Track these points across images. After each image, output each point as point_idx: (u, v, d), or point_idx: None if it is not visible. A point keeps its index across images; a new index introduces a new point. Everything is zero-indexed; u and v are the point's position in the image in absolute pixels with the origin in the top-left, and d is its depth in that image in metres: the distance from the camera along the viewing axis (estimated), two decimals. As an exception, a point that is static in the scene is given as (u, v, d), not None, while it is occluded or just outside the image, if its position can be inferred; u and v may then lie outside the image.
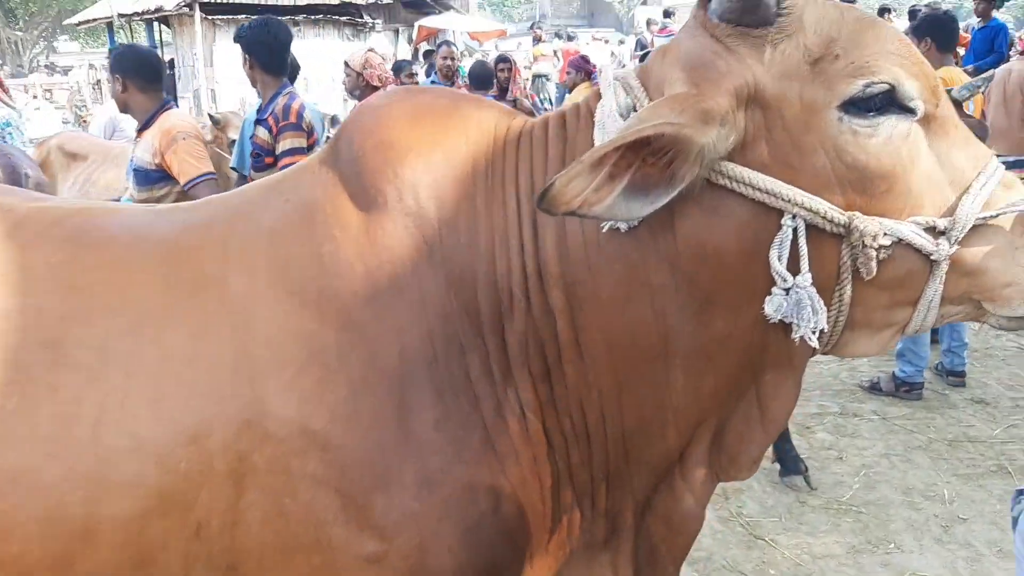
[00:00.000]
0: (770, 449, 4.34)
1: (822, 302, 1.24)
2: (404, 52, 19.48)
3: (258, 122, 4.58)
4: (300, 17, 18.70)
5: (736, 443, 1.43)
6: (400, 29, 21.67)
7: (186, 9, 18.41)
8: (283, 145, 4.44)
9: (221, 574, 1.31)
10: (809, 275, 1.23)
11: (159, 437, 1.28)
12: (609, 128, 1.33)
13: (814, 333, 1.24)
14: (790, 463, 4.23)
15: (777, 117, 1.24)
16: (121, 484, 1.27)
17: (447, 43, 9.20)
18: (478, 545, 1.35)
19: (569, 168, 1.14)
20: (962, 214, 1.24)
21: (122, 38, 20.35)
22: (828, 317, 1.28)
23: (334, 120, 6.49)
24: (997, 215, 1.27)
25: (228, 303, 1.35)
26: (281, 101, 4.50)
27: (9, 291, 1.35)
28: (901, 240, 1.23)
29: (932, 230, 1.25)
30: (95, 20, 21.24)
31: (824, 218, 1.22)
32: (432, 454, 1.32)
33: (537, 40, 20.05)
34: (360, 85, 5.81)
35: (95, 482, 1.27)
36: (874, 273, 1.24)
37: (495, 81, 8.42)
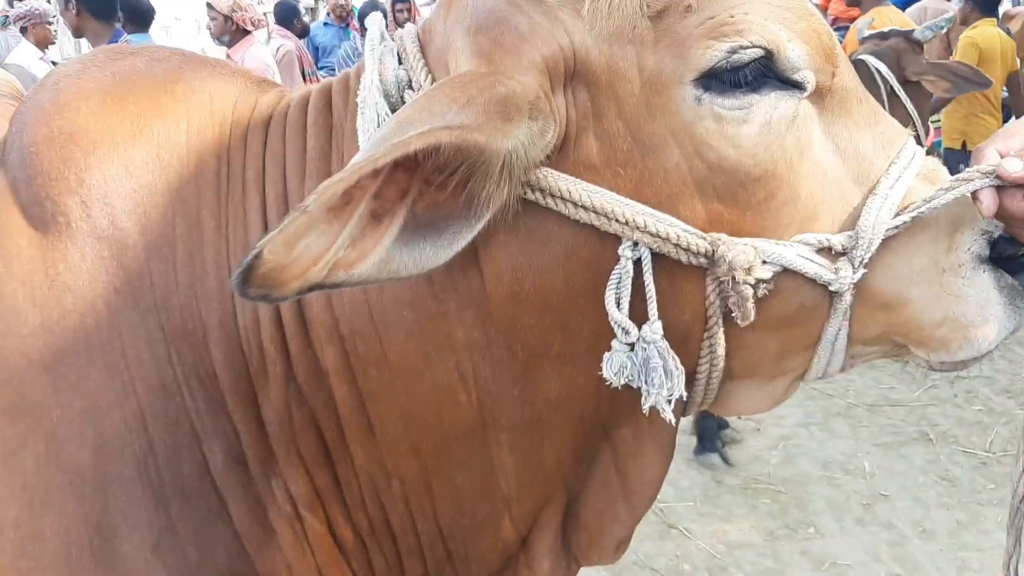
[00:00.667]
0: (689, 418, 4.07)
1: (678, 361, 0.93)
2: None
3: None
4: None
5: (595, 520, 1.12)
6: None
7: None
8: None
9: None
10: (659, 324, 0.92)
11: None
12: (368, 115, 0.94)
13: (669, 400, 0.93)
14: (707, 438, 3.96)
15: (608, 98, 0.91)
16: None
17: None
18: None
19: (286, 222, 0.73)
20: (866, 224, 0.93)
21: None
22: (699, 372, 1.00)
23: None
24: (912, 218, 0.94)
25: None
26: None
27: None
28: (787, 269, 0.93)
29: (829, 251, 0.94)
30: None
31: (676, 245, 0.91)
32: None
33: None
34: (230, 30, 5.28)
35: None
36: (752, 318, 0.93)
37: (389, 23, 7.82)
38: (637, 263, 0.92)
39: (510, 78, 0.85)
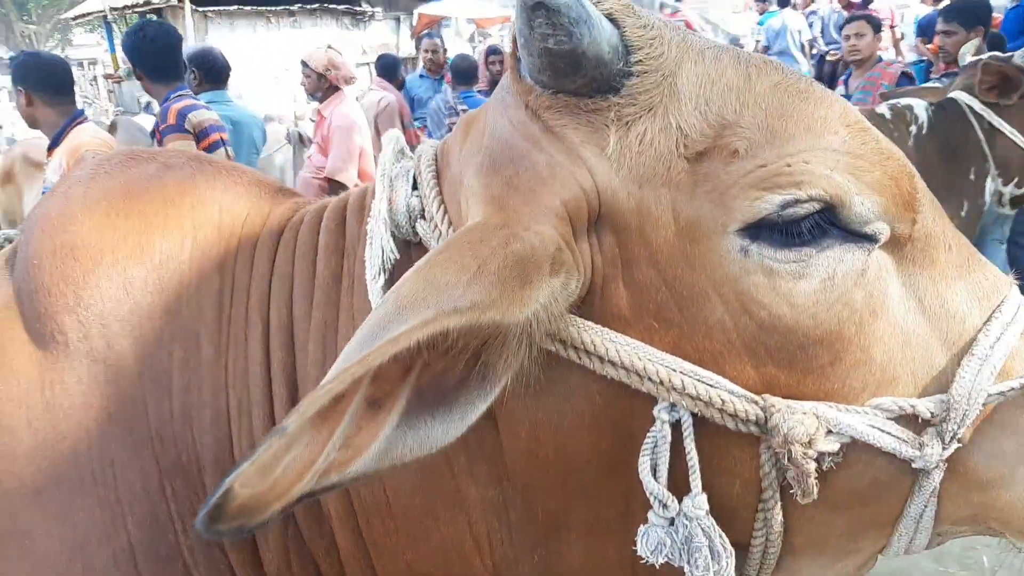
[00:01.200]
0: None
1: (726, 540, 0.82)
2: (406, 42, 19.04)
3: (152, 134, 4.22)
4: (296, 7, 18.42)
5: None
6: (401, 17, 21.18)
7: (175, 1, 18.11)
8: None
9: None
10: (703, 498, 0.82)
11: None
12: (375, 249, 0.86)
13: None
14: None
15: (639, 244, 0.82)
16: None
17: (429, 35, 8.74)
18: None
19: (260, 450, 0.63)
20: (961, 391, 0.80)
21: (117, 32, 20.14)
22: (753, 546, 0.88)
23: (266, 119, 6.04)
24: (1021, 385, 0.81)
25: None
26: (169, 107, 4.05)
27: None
28: (857, 441, 0.81)
29: (913, 420, 0.82)
30: (90, 14, 21.33)
31: (722, 411, 0.80)
32: None
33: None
34: (322, 87, 5.40)
35: None
36: (814, 495, 0.82)
37: (485, 75, 7.90)
38: (676, 425, 0.80)
39: (526, 229, 0.76)
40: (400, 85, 7.84)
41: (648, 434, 0.82)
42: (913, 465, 0.82)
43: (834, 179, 0.77)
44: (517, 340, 0.75)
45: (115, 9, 19.32)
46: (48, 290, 0.97)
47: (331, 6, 19.22)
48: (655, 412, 0.81)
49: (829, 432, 0.80)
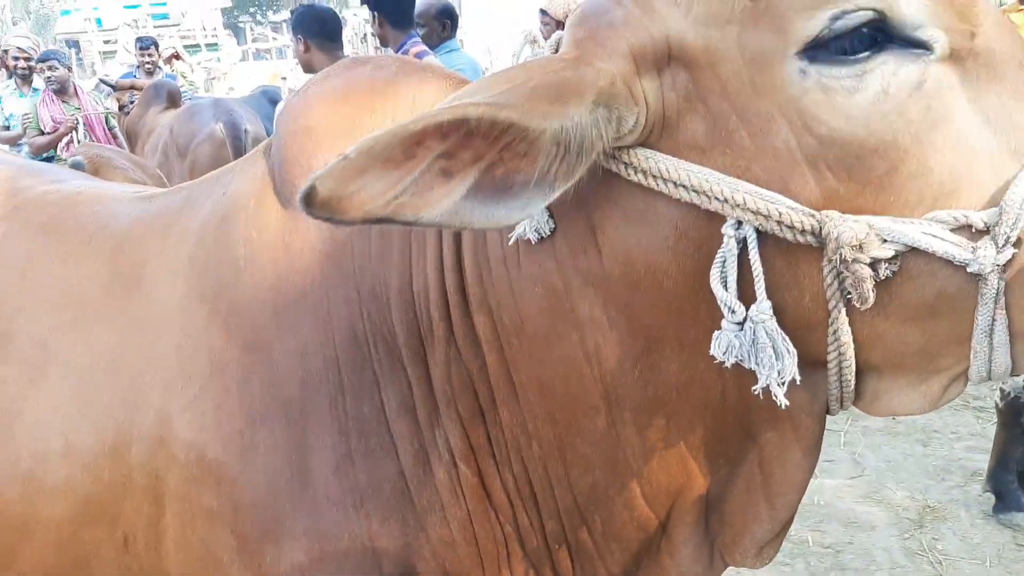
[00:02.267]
0: (986, 473, 3.62)
1: (789, 343, 0.91)
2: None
3: None
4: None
5: (738, 518, 1.11)
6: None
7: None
8: None
9: None
10: (767, 304, 0.90)
11: (86, 444, 1.25)
12: None
13: (781, 383, 0.91)
14: (1008, 496, 3.49)
15: (712, 79, 0.90)
16: (54, 486, 1.25)
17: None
18: None
19: (333, 164, 0.79)
20: (1014, 197, 0.82)
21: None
22: (829, 361, 0.95)
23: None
24: None
25: (154, 306, 1.27)
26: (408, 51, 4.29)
27: None
28: (913, 248, 0.85)
29: (969, 229, 0.84)
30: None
31: (780, 223, 0.87)
32: (328, 503, 1.14)
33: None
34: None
35: (32, 481, 1.26)
36: (870, 301, 0.86)
37: None
38: (744, 243, 0.89)
39: (587, 64, 0.88)
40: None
41: (719, 251, 0.91)
42: (968, 269, 0.84)
43: None
44: (554, 150, 0.85)
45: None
46: (290, 161, 1.21)
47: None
48: (723, 229, 0.90)
49: (884, 241, 0.84)
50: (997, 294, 0.85)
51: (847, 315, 0.91)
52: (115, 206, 1.47)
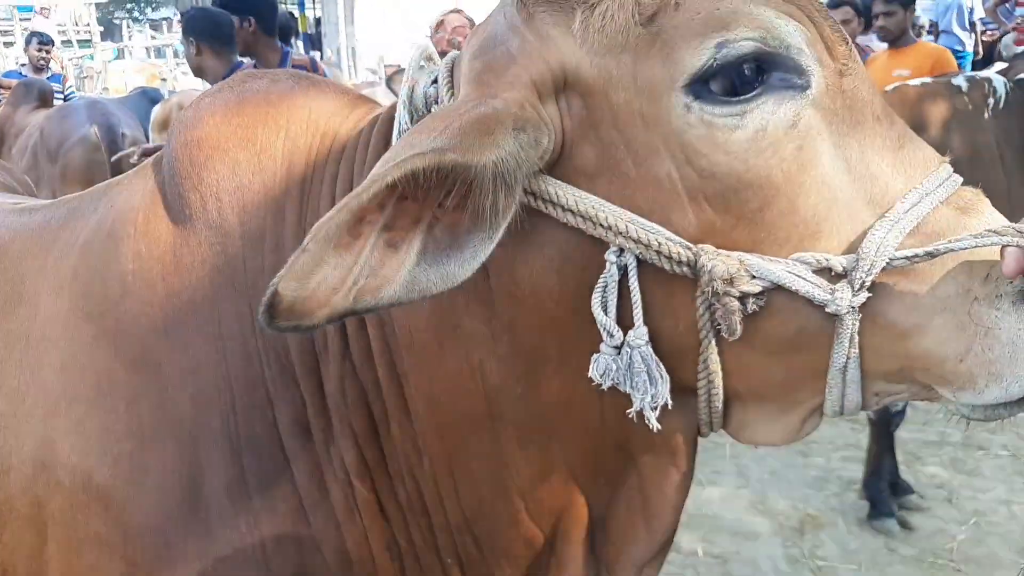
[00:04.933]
0: (861, 482, 3.82)
1: (663, 368, 0.95)
2: None
3: None
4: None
5: (619, 538, 1.16)
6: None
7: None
8: None
9: None
10: (643, 330, 0.94)
11: None
12: (397, 127, 1.05)
13: (655, 407, 0.95)
14: (881, 504, 3.68)
15: (604, 108, 0.93)
16: None
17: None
18: None
19: (292, 262, 0.80)
20: (869, 247, 0.89)
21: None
22: (699, 388, 1.00)
23: None
24: (925, 253, 0.88)
25: (35, 325, 1.21)
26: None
27: None
28: (778, 286, 0.90)
29: (829, 272, 0.90)
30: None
31: (659, 252, 0.92)
32: (221, 524, 1.12)
33: None
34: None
35: None
36: (737, 333, 0.91)
37: None
38: (626, 272, 0.93)
39: (494, 97, 0.90)
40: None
41: (601, 276, 0.94)
42: (827, 309, 0.89)
43: (756, 13, 0.88)
44: (492, 183, 0.86)
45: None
46: (181, 174, 1.18)
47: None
48: (606, 255, 0.93)
49: (754, 278, 0.89)
50: (852, 335, 0.91)
51: (716, 345, 0.95)
52: None
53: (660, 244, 0.90)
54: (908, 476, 3.98)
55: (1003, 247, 0.86)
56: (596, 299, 0.94)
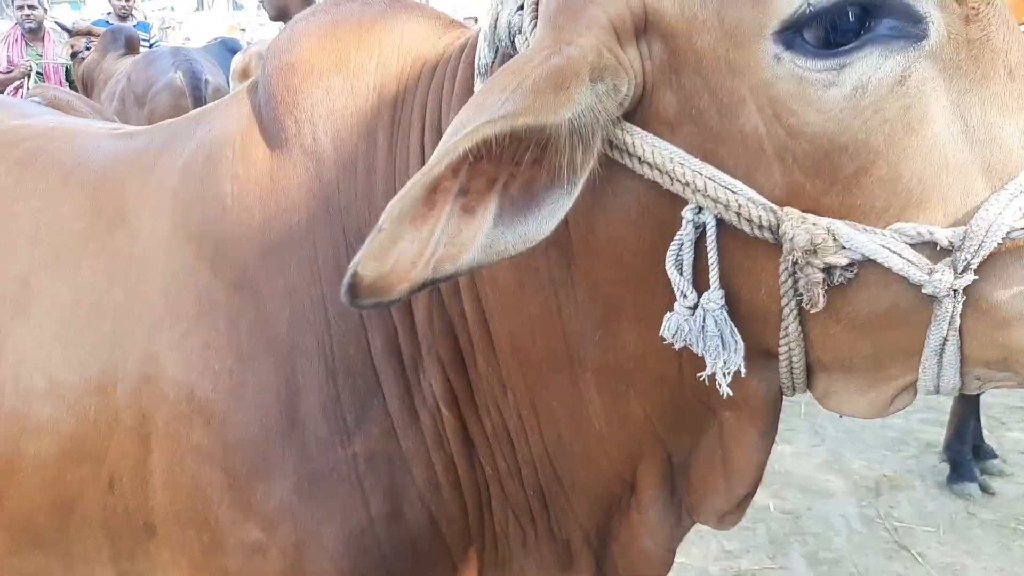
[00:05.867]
0: (943, 444, 3.73)
1: (738, 335, 0.90)
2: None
3: None
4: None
5: (699, 486, 1.15)
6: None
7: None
8: None
9: (140, 532, 1.27)
10: (719, 293, 0.89)
11: (70, 382, 1.23)
12: (478, 59, 1.02)
13: (727, 372, 0.90)
14: (963, 467, 3.59)
15: (687, 52, 0.85)
16: (39, 425, 1.24)
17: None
18: (365, 554, 1.17)
19: (369, 242, 0.78)
20: (981, 222, 0.77)
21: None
22: (780, 354, 0.93)
23: None
24: None
25: (138, 244, 1.25)
26: None
27: None
28: (870, 261, 0.80)
29: (931, 247, 0.79)
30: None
31: (738, 214, 0.84)
32: (317, 442, 1.15)
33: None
34: None
35: (16, 419, 1.25)
36: (820, 305, 0.84)
37: None
38: (704, 232, 0.87)
39: (569, 43, 0.83)
40: None
41: (677, 234, 0.89)
42: (923, 291, 0.80)
43: None
44: (571, 141, 0.82)
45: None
46: (276, 98, 1.19)
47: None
48: (683, 212, 0.87)
49: (843, 248, 0.81)
50: (952, 317, 0.81)
51: (799, 314, 0.89)
52: (92, 142, 1.42)
53: (740, 206, 0.83)
54: (991, 441, 3.87)
55: None
56: (670, 257, 0.90)
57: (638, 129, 0.88)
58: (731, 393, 0.91)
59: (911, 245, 0.80)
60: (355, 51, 1.18)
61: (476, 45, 1.09)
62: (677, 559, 1.30)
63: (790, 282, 0.85)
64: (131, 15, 8.27)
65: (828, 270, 0.83)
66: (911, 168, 0.79)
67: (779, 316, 0.90)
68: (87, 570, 1.33)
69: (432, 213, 0.81)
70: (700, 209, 0.86)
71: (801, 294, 0.85)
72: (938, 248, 0.79)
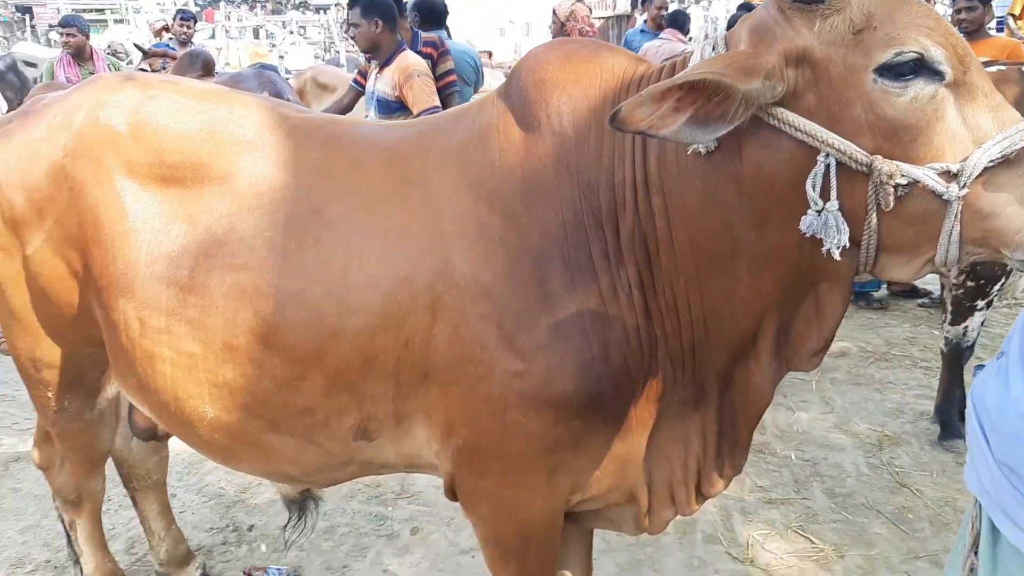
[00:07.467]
0: (933, 409, 4.43)
1: (845, 224, 1.45)
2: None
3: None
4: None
5: (798, 337, 1.70)
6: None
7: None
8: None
9: (419, 378, 1.82)
10: (836, 202, 1.45)
11: (385, 278, 1.79)
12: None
13: (838, 248, 1.45)
14: (951, 426, 4.26)
15: (824, 75, 1.45)
16: (359, 307, 1.80)
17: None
18: (588, 378, 1.72)
19: (634, 97, 1.41)
20: (972, 160, 1.38)
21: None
22: (862, 241, 1.50)
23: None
24: (1000, 156, 1.37)
25: (429, 192, 1.82)
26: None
27: (290, 175, 1.92)
28: (917, 181, 1.40)
29: (947, 174, 1.39)
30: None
31: (851, 157, 1.42)
32: (560, 309, 1.71)
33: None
34: (563, 34, 6.20)
35: (343, 303, 1.81)
36: (891, 205, 1.43)
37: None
38: (827, 167, 1.43)
39: (759, 57, 1.43)
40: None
41: (813, 169, 1.44)
42: (943, 197, 1.38)
43: (921, 40, 1.37)
44: (740, 101, 1.39)
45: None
46: (532, 101, 1.76)
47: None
48: (818, 157, 1.43)
49: (902, 175, 1.39)
50: (956, 213, 1.40)
51: (876, 215, 1.46)
52: (368, 130, 2.02)
53: (852, 153, 1.41)
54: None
55: None
56: (809, 183, 1.45)
57: (792, 112, 1.47)
58: (839, 258, 1.45)
59: (937, 173, 1.39)
60: (586, 73, 1.80)
61: (664, 68, 1.76)
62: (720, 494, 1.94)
63: (874, 195, 1.44)
64: (190, 41, 8.97)
65: (895, 187, 1.41)
66: (938, 138, 1.41)
67: (864, 217, 1.46)
68: (373, 406, 1.88)
69: (659, 103, 1.40)
70: (827, 155, 1.43)
71: (879, 201, 1.43)
72: (950, 175, 1.38)
